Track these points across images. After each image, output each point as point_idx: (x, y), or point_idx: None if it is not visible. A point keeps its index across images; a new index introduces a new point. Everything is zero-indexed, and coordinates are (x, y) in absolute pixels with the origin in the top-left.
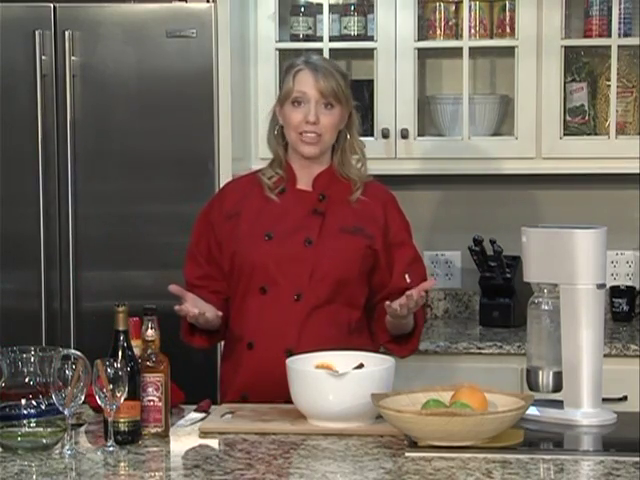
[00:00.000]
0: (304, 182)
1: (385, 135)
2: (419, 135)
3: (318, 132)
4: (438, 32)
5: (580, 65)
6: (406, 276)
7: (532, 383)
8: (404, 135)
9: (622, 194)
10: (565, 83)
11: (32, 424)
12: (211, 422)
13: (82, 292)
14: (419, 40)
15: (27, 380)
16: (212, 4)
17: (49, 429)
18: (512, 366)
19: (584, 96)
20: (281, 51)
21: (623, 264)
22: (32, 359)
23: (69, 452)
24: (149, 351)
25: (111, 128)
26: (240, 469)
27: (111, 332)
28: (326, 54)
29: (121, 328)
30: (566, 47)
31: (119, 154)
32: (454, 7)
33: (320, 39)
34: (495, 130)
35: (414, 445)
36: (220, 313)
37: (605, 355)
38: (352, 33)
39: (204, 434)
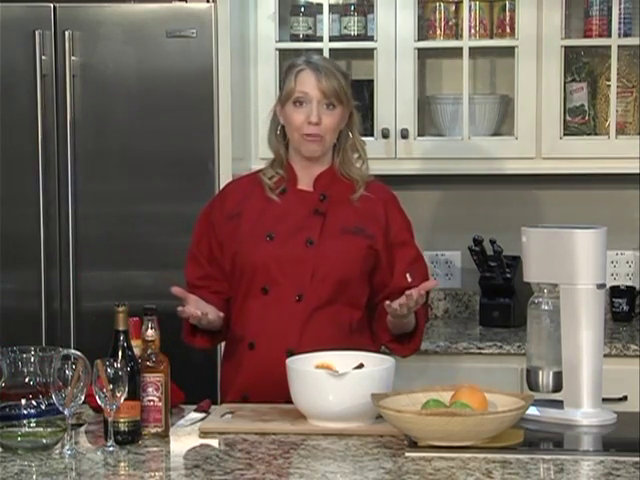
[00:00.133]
0: (305, 182)
1: (385, 135)
2: (419, 135)
3: (320, 133)
4: (438, 32)
5: (580, 65)
6: (407, 275)
7: (532, 383)
8: (404, 135)
9: (622, 194)
10: (565, 83)
11: (32, 424)
12: (211, 422)
13: (82, 292)
14: (419, 40)
15: (27, 380)
16: (212, 4)
17: (49, 429)
18: (512, 366)
19: (584, 96)
20: (281, 51)
21: (623, 264)
22: (32, 359)
23: (69, 452)
24: (149, 351)
25: (111, 128)
26: (240, 469)
27: (111, 332)
28: (326, 54)
29: (121, 328)
30: (566, 47)
31: (119, 154)
32: (454, 7)
33: (320, 39)
34: (495, 130)
35: (414, 445)
36: (222, 314)
37: (605, 355)
38: (352, 33)
39: (204, 434)
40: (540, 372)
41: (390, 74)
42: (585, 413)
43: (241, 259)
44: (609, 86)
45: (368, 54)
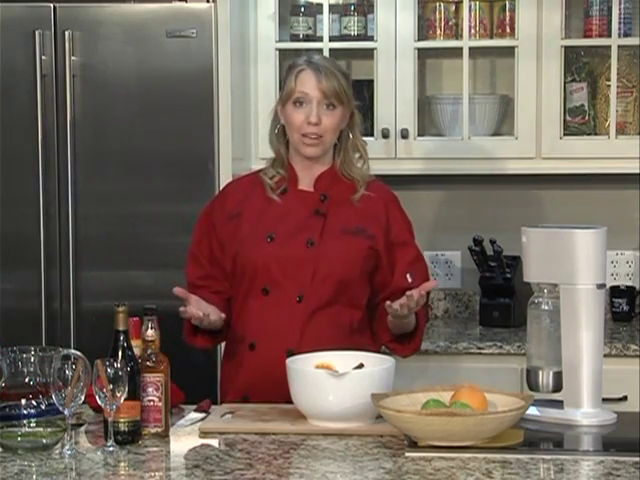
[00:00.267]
0: (306, 182)
1: (385, 135)
2: (419, 135)
3: (320, 133)
4: (438, 32)
5: (580, 65)
6: (407, 276)
7: (532, 383)
8: (404, 135)
9: (622, 194)
10: (565, 83)
11: (32, 424)
12: (211, 422)
13: (82, 292)
14: (419, 40)
15: (27, 380)
16: (212, 4)
17: (49, 429)
18: (512, 366)
19: (584, 96)
20: (281, 51)
21: (623, 264)
22: (32, 359)
23: (69, 452)
24: (149, 351)
25: (111, 128)
26: (240, 469)
27: (111, 332)
28: (326, 54)
29: (121, 328)
30: (566, 47)
31: (119, 154)
32: (454, 7)
33: (320, 39)
34: (495, 130)
35: (414, 445)
36: (223, 315)
37: (605, 355)
38: (352, 33)
39: (204, 434)
40: (540, 372)
41: (390, 74)
42: (585, 413)
43: (242, 259)
44: (609, 86)
45: (368, 54)
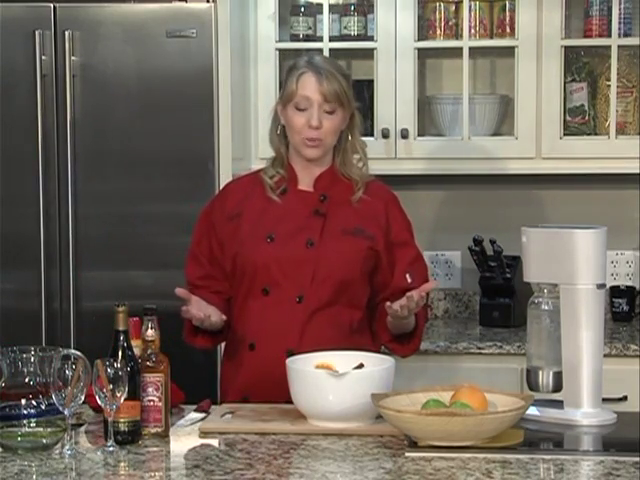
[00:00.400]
0: (305, 183)
1: (385, 135)
2: (419, 135)
3: (320, 137)
4: (438, 32)
5: (580, 65)
6: (407, 276)
7: (532, 383)
8: (404, 135)
9: (622, 194)
10: (565, 83)
11: (32, 424)
12: (211, 422)
13: (82, 292)
14: (419, 40)
15: (27, 380)
16: (212, 4)
17: (49, 429)
18: (512, 366)
19: (584, 96)
20: (281, 51)
21: (623, 264)
22: (32, 359)
23: (69, 452)
24: (149, 351)
25: (111, 128)
26: (240, 469)
27: (111, 332)
28: (326, 54)
29: (121, 328)
30: (566, 47)
31: (119, 154)
32: (454, 7)
33: (320, 39)
34: (495, 130)
35: (414, 445)
36: (224, 317)
37: (605, 355)
38: (352, 33)
39: (204, 434)
40: (540, 372)
41: (390, 74)
42: (585, 413)
43: (242, 260)
44: (609, 86)
45: (368, 54)
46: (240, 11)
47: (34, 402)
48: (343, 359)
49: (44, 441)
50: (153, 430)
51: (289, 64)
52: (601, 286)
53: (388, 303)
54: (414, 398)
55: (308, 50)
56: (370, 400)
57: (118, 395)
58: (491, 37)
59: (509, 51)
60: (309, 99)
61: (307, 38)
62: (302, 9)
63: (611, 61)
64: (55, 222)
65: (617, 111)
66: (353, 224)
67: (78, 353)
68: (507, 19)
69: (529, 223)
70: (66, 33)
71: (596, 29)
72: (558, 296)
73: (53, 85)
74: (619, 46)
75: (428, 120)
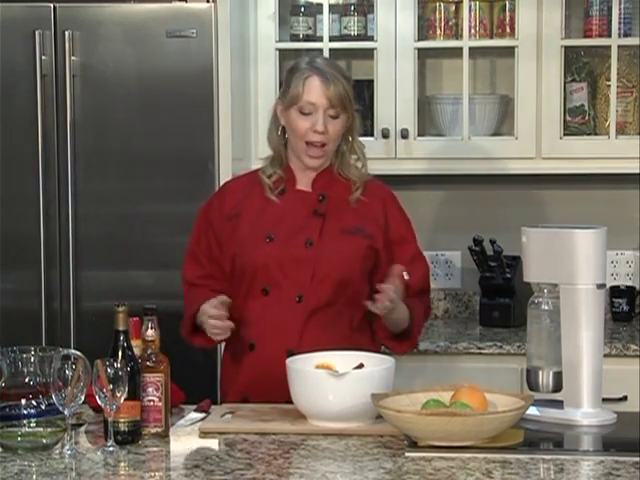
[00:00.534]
0: (304, 183)
1: (385, 135)
2: (419, 135)
3: (325, 141)
4: (438, 32)
5: (580, 65)
6: (404, 273)
7: (532, 383)
8: (404, 135)
9: (622, 194)
10: (565, 83)
11: (32, 424)
12: (211, 422)
13: (82, 292)
14: (419, 40)
15: (27, 380)
16: (212, 4)
17: (49, 429)
18: (512, 366)
19: (584, 96)
20: (281, 51)
21: (623, 264)
22: (32, 359)
23: (69, 452)
24: (149, 351)
25: (111, 128)
26: (240, 469)
27: (111, 332)
28: (326, 54)
29: (121, 328)
30: (566, 47)
31: (119, 154)
32: (454, 7)
33: (320, 39)
34: (495, 130)
35: (414, 445)
36: (233, 325)
37: (605, 355)
38: (352, 33)
39: (204, 434)
40: (540, 372)
41: (390, 74)
42: (585, 413)
43: (241, 260)
44: (609, 86)
45: (368, 54)
46: (240, 11)
47: (34, 402)
48: (343, 359)
49: (44, 441)
50: (153, 430)
51: (290, 65)
52: (601, 286)
53: (368, 302)
54: (414, 398)
55: (308, 50)
56: (370, 400)
57: (118, 395)
58: (491, 37)
59: (509, 51)
60: (314, 104)
61: (307, 38)
62: (302, 9)
63: (611, 61)
64: (55, 222)
65: (617, 111)
66: (352, 223)
67: (78, 353)
68: (507, 19)
69: (529, 223)
70: (66, 33)
71: (596, 29)
72: (558, 296)
73: (53, 85)
74: (619, 46)
75: (428, 120)
